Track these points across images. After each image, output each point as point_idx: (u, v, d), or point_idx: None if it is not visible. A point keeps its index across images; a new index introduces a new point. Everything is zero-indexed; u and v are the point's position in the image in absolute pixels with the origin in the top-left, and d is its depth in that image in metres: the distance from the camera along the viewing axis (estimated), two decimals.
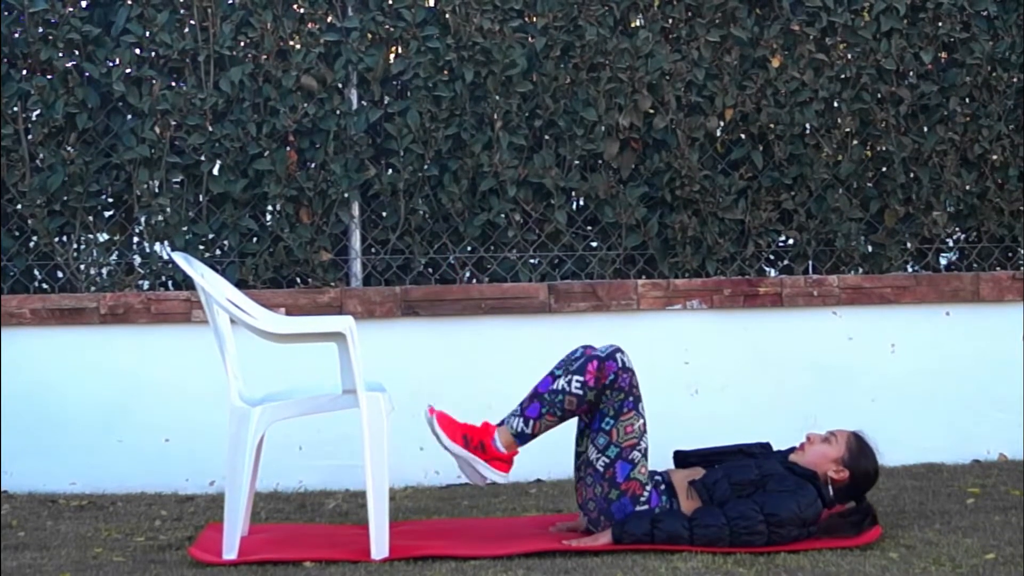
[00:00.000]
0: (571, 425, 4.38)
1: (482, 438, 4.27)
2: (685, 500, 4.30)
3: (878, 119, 5.84)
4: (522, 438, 4.29)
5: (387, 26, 5.60)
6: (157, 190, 5.57)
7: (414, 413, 5.40)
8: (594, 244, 5.81)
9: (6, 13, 5.47)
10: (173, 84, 5.59)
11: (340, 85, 5.66)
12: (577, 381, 4.26)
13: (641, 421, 4.28)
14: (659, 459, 4.57)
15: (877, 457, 4.43)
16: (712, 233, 5.74)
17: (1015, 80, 5.91)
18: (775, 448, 4.58)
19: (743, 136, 5.85)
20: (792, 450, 4.46)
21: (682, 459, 4.54)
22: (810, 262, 5.90)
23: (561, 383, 4.27)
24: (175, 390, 5.45)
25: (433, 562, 4.12)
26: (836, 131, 5.82)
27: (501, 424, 4.30)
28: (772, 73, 5.76)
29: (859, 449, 4.41)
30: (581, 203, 5.86)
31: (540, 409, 4.27)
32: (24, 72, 5.50)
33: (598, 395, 4.27)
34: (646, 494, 4.27)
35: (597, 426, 4.28)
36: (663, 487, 4.32)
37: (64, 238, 5.59)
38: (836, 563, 4.04)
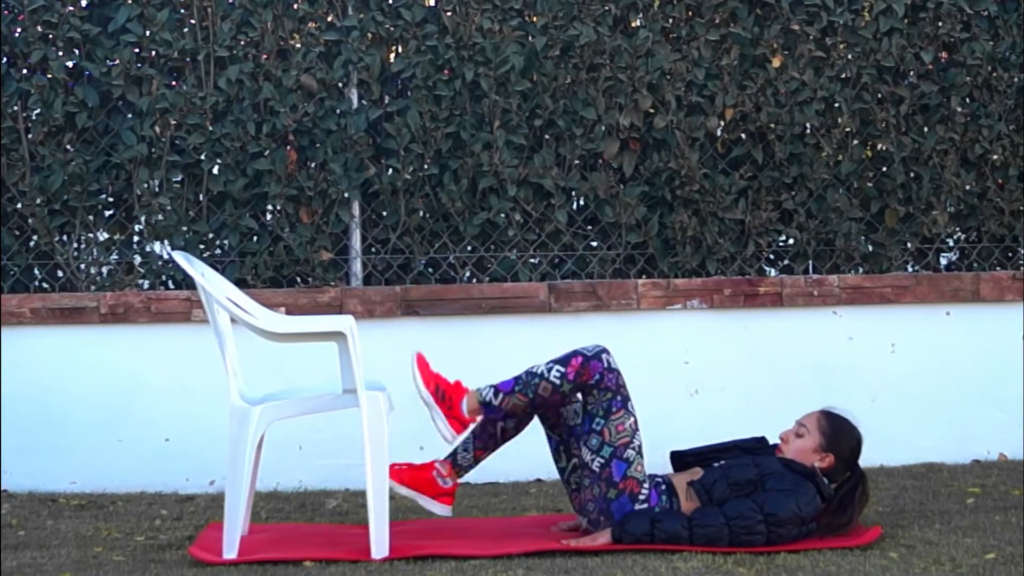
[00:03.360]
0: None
1: (452, 395, 4.28)
2: (685, 501, 4.30)
3: (878, 119, 5.84)
4: (488, 408, 4.29)
5: (387, 25, 5.60)
6: (157, 189, 5.57)
7: (414, 412, 5.40)
8: (594, 244, 5.81)
9: (6, 12, 5.47)
10: (173, 83, 5.59)
11: (340, 84, 5.66)
12: (557, 370, 4.25)
13: (632, 419, 4.28)
14: (659, 458, 4.56)
15: (853, 424, 4.40)
16: (712, 233, 5.74)
17: (1015, 80, 5.91)
18: (771, 443, 4.57)
19: (743, 136, 5.85)
20: (776, 448, 4.45)
21: (679, 459, 4.53)
22: (810, 262, 5.89)
23: (542, 368, 4.28)
24: (175, 389, 5.45)
25: (433, 562, 4.12)
26: (836, 131, 5.82)
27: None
28: (772, 73, 5.76)
29: (832, 429, 4.38)
30: (581, 203, 5.86)
31: (513, 386, 4.27)
32: (24, 71, 5.50)
33: (573, 391, 4.27)
34: (645, 492, 4.27)
35: (588, 427, 4.28)
36: (664, 487, 4.32)
37: (64, 237, 5.59)
38: (836, 563, 4.04)
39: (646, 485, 4.28)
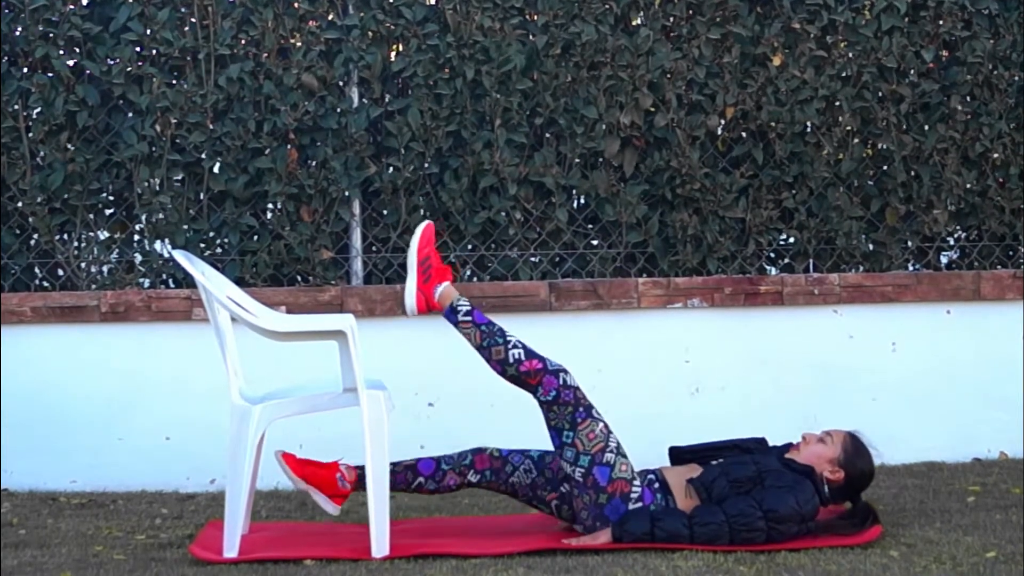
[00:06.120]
0: None
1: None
2: (683, 499, 4.30)
3: (879, 117, 5.84)
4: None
5: (388, 24, 5.60)
6: (158, 188, 5.57)
7: (415, 412, 5.41)
8: (595, 242, 5.81)
9: (7, 11, 5.47)
10: (174, 82, 5.59)
11: (341, 83, 5.66)
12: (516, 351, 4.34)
13: (600, 424, 4.29)
14: (659, 458, 4.56)
15: (873, 457, 4.43)
16: (713, 231, 5.73)
17: (1016, 78, 5.91)
18: (771, 444, 4.58)
19: (744, 134, 5.85)
20: (788, 447, 4.46)
21: (677, 455, 4.54)
22: (811, 260, 5.89)
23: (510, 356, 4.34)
24: (176, 388, 5.45)
25: (434, 560, 4.12)
26: (837, 129, 5.82)
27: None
28: (773, 71, 5.76)
29: (854, 450, 4.41)
30: (582, 201, 5.86)
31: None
32: (24, 70, 5.50)
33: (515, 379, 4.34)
34: (636, 491, 4.26)
35: (559, 442, 4.29)
36: (656, 485, 4.31)
37: (65, 236, 5.60)
38: (837, 561, 4.04)
39: (636, 483, 4.27)
